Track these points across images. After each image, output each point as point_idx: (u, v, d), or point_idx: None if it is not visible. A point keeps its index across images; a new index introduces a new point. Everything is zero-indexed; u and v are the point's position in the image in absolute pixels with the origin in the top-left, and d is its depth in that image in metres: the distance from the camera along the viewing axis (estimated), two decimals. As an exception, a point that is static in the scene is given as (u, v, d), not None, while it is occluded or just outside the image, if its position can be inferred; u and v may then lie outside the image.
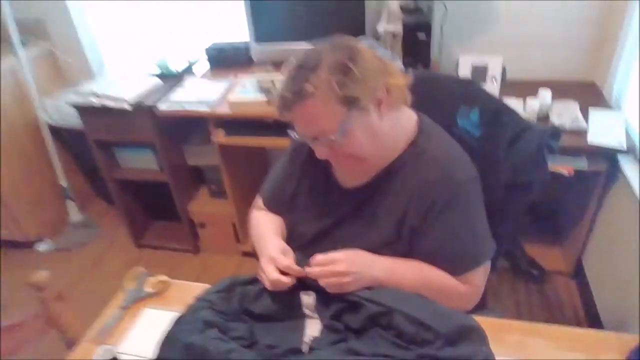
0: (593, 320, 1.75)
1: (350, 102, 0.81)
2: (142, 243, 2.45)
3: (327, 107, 0.81)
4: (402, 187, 0.91)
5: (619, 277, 1.62)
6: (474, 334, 0.79)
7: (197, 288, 1.08)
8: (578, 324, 1.80)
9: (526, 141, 1.01)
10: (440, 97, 1.11)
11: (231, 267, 2.28)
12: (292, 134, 0.90)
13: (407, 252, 0.93)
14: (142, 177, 2.18)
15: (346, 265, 0.85)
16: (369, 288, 0.88)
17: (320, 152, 0.88)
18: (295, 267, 0.89)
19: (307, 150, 1.02)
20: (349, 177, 0.98)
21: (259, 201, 1.15)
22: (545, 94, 1.63)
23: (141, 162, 2.17)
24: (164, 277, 1.14)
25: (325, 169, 1.00)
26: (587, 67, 1.91)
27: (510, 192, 1.04)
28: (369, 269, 0.88)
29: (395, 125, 0.91)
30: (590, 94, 1.82)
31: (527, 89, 1.75)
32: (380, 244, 0.93)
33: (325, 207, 1.00)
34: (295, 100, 0.82)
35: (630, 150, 1.51)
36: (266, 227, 1.06)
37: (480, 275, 0.93)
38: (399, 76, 0.89)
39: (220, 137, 1.89)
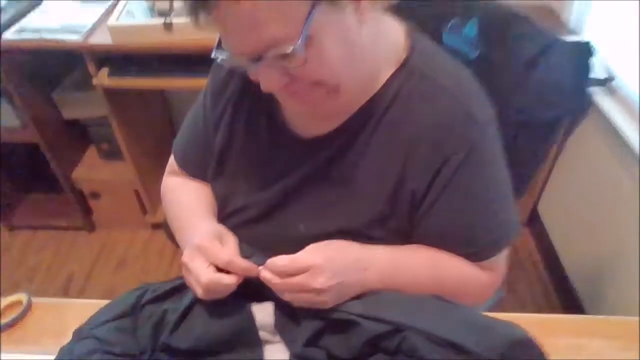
0: (553, 266, 1.65)
1: None
2: (14, 224, 1.91)
3: None
4: (396, 133, 0.60)
5: (580, 220, 1.50)
6: (530, 351, 0.53)
7: (78, 307, 0.72)
8: (536, 271, 1.70)
9: (552, 62, 0.73)
10: (419, 5, 0.78)
11: (138, 244, 1.87)
12: (218, 54, 0.53)
13: (403, 231, 0.63)
14: (-2, 138, 1.62)
15: (326, 277, 0.54)
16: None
17: (269, 81, 0.52)
18: (242, 261, 0.57)
19: (238, 82, 0.67)
20: (309, 120, 0.64)
21: (172, 163, 0.80)
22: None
23: (-6, 118, 1.61)
24: (19, 296, 0.73)
25: (270, 109, 0.66)
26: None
27: (523, 134, 0.77)
28: (358, 275, 0.58)
29: (379, 37, 0.57)
30: (549, 21, 1.60)
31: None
32: (364, 223, 0.62)
33: (274, 167, 0.66)
34: None
35: (607, 81, 1.32)
36: (188, 202, 0.73)
37: (504, 257, 0.67)
38: None
39: (103, 78, 1.41)
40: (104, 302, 0.72)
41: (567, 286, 1.56)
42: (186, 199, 0.75)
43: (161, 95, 1.94)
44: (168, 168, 0.82)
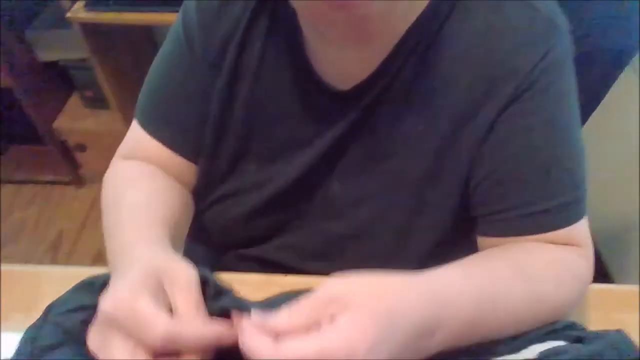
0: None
1: None
2: (-5, 178, 1.80)
3: None
4: (452, 58, 0.46)
5: (607, 181, 1.39)
6: None
7: (55, 276, 0.61)
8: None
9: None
10: None
11: (131, 199, 1.76)
12: None
13: (460, 190, 0.50)
14: (-34, 82, 1.48)
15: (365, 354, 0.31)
16: None
17: None
18: (199, 326, 0.34)
19: (243, 10, 0.50)
20: (344, 61, 0.48)
21: (133, 143, 0.57)
22: None
23: (-38, 60, 1.46)
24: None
25: (294, 51, 0.49)
26: None
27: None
28: (420, 345, 0.35)
29: None
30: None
31: None
32: (412, 181, 0.50)
33: (300, 131, 0.52)
34: None
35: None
36: (139, 202, 0.49)
37: (587, 225, 0.51)
38: None
39: (79, 11, 1.25)
40: (86, 271, 0.61)
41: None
42: (137, 198, 0.49)
43: (149, 34, 1.76)
44: (124, 149, 0.58)
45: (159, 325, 0.32)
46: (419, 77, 0.47)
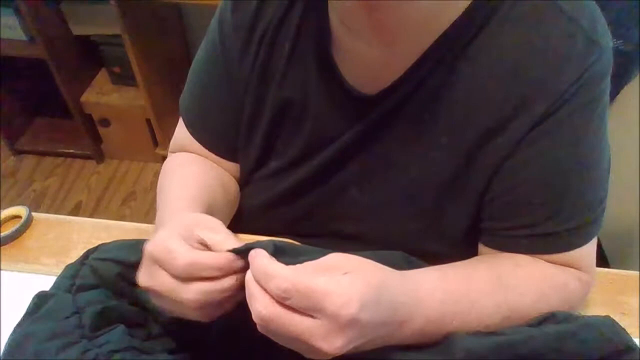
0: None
1: None
2: (19, 147, 1.87)
3: None
4: (484, 71, 0.45)
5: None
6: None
7: (84, 226, 0.66)
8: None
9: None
10: None
11: (148, 177, 1.83)
12: None
13: (476, 201, 0.50)
14: (2, 51, 1.54)
15: (346, 339, 0.34)
16: None
17: None
18: (210, 256, 0.38)
19: (275, 13, 0.51)
20: (372, 65, 0.48)
21: (182, 139, 0.62)
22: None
23: (-1, 29, 1.53)
24: (18, 210, 0.68)
25: (323, 56, 0.50)
26: None
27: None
28: (389, 331, 0.39)
29: None
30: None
31: None
32: (432, 189, 0.51)
33: (324, 130, 0.53)
34: None
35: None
36: (178, 185, 0.55)
37: (594, 251, 0.50)
38: None
39: (117, -13, 1.30)
40: (112, 223, 0.66)
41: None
42: (176, 180, 0.55)
43: (178, 15, 1.81)
44: (174, 144, 0.63)
45: (182, 255, 0.37)
46: (446, 88, 0.46)
